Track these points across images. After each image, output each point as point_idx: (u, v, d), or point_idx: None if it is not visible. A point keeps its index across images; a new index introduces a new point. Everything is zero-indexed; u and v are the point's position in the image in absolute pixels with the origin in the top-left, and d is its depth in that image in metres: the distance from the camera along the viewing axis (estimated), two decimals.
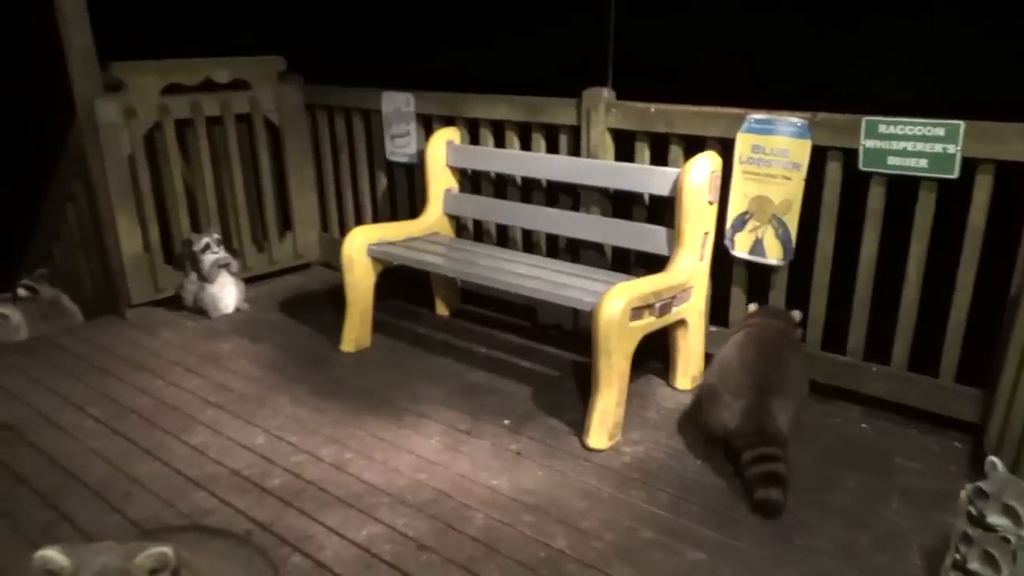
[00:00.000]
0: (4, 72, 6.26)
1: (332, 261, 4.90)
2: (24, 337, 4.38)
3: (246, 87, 4.53)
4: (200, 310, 4.27)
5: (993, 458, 2.01)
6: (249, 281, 4.59)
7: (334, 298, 4.37)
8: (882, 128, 2.85)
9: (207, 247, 4.20)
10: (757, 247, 3.23)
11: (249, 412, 3.24)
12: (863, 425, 3.08)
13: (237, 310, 4.34)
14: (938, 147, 2.76)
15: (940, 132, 2.74)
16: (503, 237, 4.15)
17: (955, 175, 2.75)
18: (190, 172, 4.51)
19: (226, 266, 4.26)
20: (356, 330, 3.79)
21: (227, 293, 4.28)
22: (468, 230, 4.23)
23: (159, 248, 4.29)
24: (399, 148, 4.38)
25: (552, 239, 3.95)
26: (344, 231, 4.54)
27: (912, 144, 2.80)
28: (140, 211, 4.16)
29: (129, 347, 3.92)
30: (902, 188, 2.90)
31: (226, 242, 4.42)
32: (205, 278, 4.22)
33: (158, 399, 3.37)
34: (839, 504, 2.57)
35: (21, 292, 4.38)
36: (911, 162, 2.82)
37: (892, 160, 2.86)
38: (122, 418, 3.21)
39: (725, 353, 2.92)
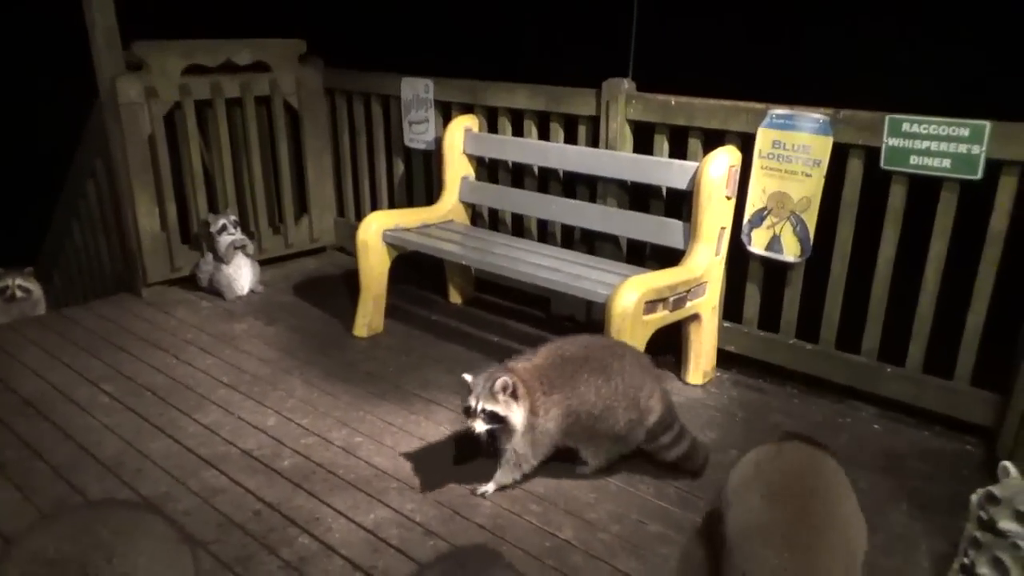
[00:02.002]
0: (29, 49, 6.32)
1: (347, 246, 4.91)
2: (43, 311, 4.43)
3: (266, 69, 4.53)
4: (215, 290, 4.30)
5: (1006, 463, 1.99)
6: (264, 263, 4.61)
7: (348, 283, 4.39)
8: (906, 127, 2.82)
9: (224, 228, 4.22)
10: (774, 243, 3.20)
11: (261, 393, 3.26)
12: (876, 426, 3.06)
13: (252, 292, 4.37)
14: (962, 147, 2.72)
15: (965, 132, 2.71)
16: (518, 226, 4.15)
17: (978, 176, 2.71)
18: (208, 153, 4.53)
19: (242, 248, 4.29)
20: (369, 315, 3.81)
21: (242, 274, 4.31)
22: (483, 218, 4.22)
23: (176, 228, 4.32)
24: (417, 134, 4.37)
25: (568, 230, 3.94)
26: (360, 216, 4.55)
27: (936, 144, 2.77)
28: (158, 190, 4.19)
29: (144, 325, 3.96)
30: (924, 188, 2.86)
31: (242, 224, 4.44)
32: (221, 259, 4.24)
33: (172, 377, 3.40)
34: None
35: (19, 294, 4.36)
36: (934, 162, 2.79)
37: (915, 159, 2.82)
38: (136, 395, 3.24)
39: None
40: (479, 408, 2.39)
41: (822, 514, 1.95)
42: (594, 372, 2.53)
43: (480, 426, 2.40)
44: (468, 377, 2.48)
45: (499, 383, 2.39)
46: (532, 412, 2.46)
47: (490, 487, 2.58)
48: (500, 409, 2.40)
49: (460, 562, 1.92)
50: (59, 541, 1.65)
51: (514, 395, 2.42)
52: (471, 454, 2.79)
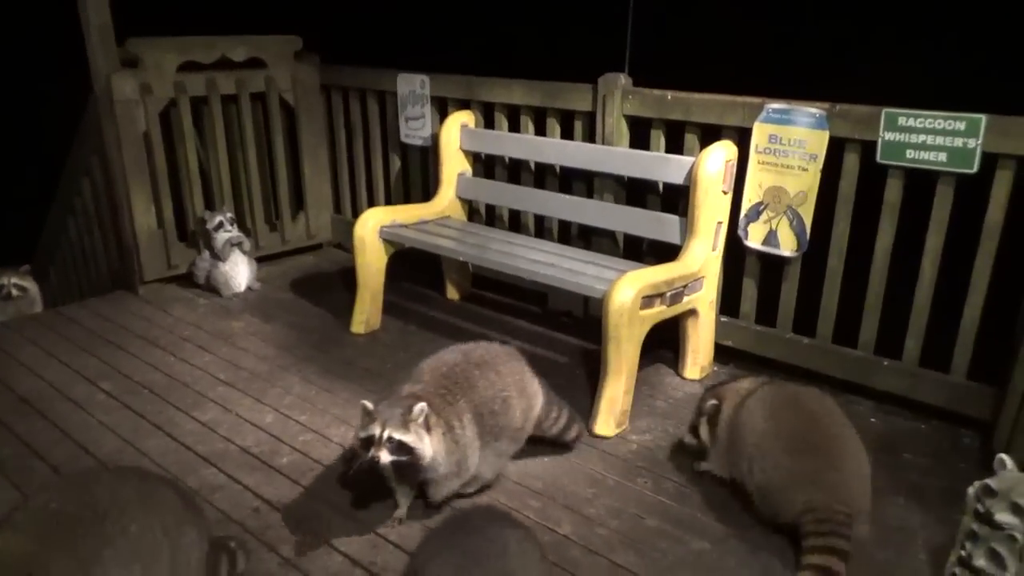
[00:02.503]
0: (24, 47, 6.29)
1: (344, 242, 4.91)
2: (40, 309, 4.42)
3: (262, 66, 4.52)
4: (212, 288, 4.29)
5: (1002, 455, 2.00)
6: (261, 261, 4.61)
7: (345, 279, 4.38)
8: (901, 120, 2.82)
9: (220, 225, 4.22)
10: (771, 238, 3.21)
11: (259, 390, 3.26)
12: (872, 420, 3.07)
13: (249, 289, 4.36)
14: (958, 141, 2.72)
15: (960, 126, 2.71)
16: (515, 222, 4.15)
17: (974, 170, 2.71)
18: (204, 150, 4.52)
19: (239, 245, 4.28)
20: (367, 312, 3.81)
21: (239, 272, 4.30)
22: (480, 214, 4.22)
23: (172, 225, 4.32)
24: (413, 130, 4.37)
25: (564, 225, 3.94)
26: (357, 212, 4.55)
27: (932, 137, 2.77)
28: (154, 188, 4.18)
29: (141, 323, 3.95)
30: (920, 182, 2.87)
31: (239, 221, 4.44)
32: (218, 256, 4.24)
33: (169, 375, 3.39)
34: None
35: (15, 292, 4.34)
36: (930, 156, 2.79)
37: (911, 153, 2.83)
38: (133, 393, 3.24)
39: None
40: (386, 437, 2.18)
41: (841, 425, 2.37)
42: (483, 370, 2.48)
43: (386, 457, 2.18)
44: (368, 404, 2.25)
45: (416, 410, 2.21)
46: (448, 429, 2.32)
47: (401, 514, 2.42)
48: (411, 439, 2.20)
49: (464, 521, 1.97)
50: (63, 497, 1.79)
51: (427, 425, 2.25)
52: None
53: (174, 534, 1.85)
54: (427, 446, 2.24)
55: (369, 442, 2.20)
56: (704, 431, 2.59)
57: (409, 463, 2.24)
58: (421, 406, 2.22)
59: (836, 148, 3.00)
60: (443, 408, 2.35)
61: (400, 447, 2.19)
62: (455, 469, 2.37)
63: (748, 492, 2.42)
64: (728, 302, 3.45)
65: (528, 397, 2.58)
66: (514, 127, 3.98)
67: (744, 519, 2.45)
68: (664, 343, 3.40)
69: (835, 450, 2.29)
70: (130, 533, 1.75)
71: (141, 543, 1.76)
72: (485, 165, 4.16)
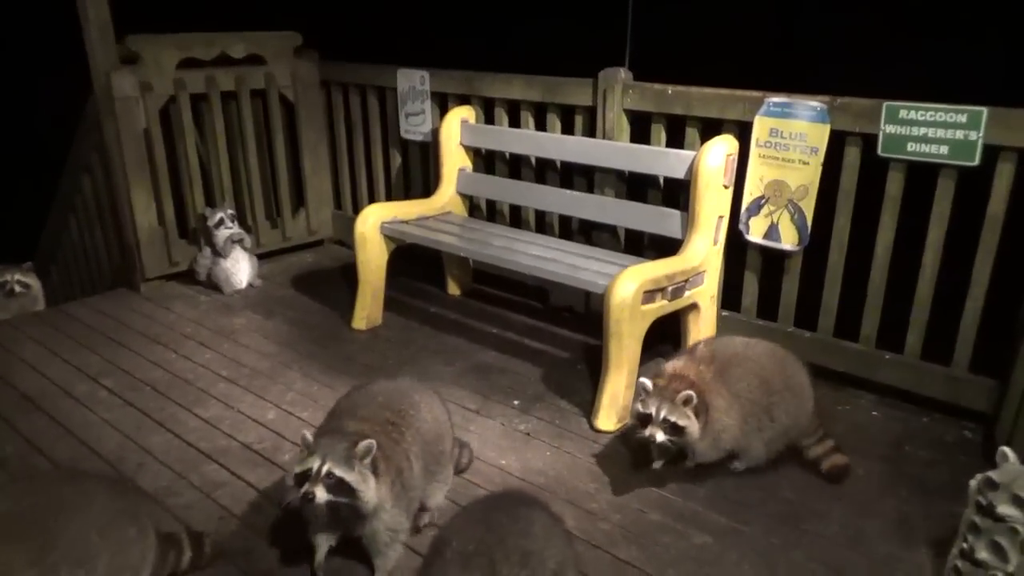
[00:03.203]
0: (24, 44, 6.28)
1: (345, 238, 4.91)
2: (42, 307, 4.43)
3: (262, 62, 4.52)
4: (213, 285, 4.29)
5: (1004, 448, 2.00)
6: (262, 257, 4.61)
7: (346, 275, 4.38)
8: (903, 113, 2.81)
9: (221, 222, 4.22)
10: (772, 232, 3.20)
11: (261, 387, 3.26)
12: (874, 413, 3.07)
13: (250, 285, 4.36)
14: (959, 134, 2.72)
15: (962, 118, 2.70)
16: (516, 218, 4.14)
17: (976, 163, 2.71)
18: (204, 147, 4.52)
19: (240, 241, 4.28)
20: (368, 308, 3.81)
21: (240, 268, 4.30)
22: (481, 210, 4.22)
23: (173, 222, 4.32)
24: (413, 126, 4.36)
25: (565, 220, 3.94)
26: (357, 209, 4.55)
27: (933, 130, 2.76)
28: (155, 185, 4.18)
29: (143, 320, 3.95)
30: (921, 175, 2.86)
31: (240, 218, 4.44)
32: (219, 253, 4.24)
33: (171, 372, 3.40)
34: (848, 491, 2.56)
35: (18, 289, 4.35)
36: (931, 149, 2.78)
37: (912, 146, 2.82)
38: (136, 390, 3.24)
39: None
40: (324, 472, 1.91)
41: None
42: (421, 404, 2.34)
43: (322, 495, 1.90)
44: (308, 436, 2.01)
45: (363, 446, 1.95)
46: (399, 472, 2.10)
47: None
48: (354, 480, 1.94)
49: (496, 500, 2.01)
50: (9, 500, 1.88)
51: (375, 468, 2.00)
52: (471, 445, 2.79)
53: (111, 534, 1.89)
54: (371, 490, 1.97)
55: (304, 477, 1.93)
56: (688, 420, 2.43)
57: (349, 507, 1.97)
58: (368, 444, 1.96)
59: (837, 141, 3.00)
60: (390, 446, 2.12)
61: (340, 487, 1.93)
62: (401, 520, 2.12)
63: (743, 449, 2.58)
64: (729, 296, 3.44)
65: (450, 427, 2.48)
66: (514, 122, 3.98)
67: (747, 514, 2.46)
68: (665, 338, 3.40)
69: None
70: (69, 537, 1.79)
71: (78, 547, 1.80)
72: (486, 161, 4.15)
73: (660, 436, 2.39)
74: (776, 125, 3.09)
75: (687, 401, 2.39)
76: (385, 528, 2.09)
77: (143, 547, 1.97)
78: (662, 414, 2.38)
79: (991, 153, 2.70)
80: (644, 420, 2.42)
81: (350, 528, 2.10)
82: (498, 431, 2.94)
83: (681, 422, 2.39)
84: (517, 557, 1.69)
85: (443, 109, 4.17)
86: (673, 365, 2.58)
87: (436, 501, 2.40)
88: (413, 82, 4.27)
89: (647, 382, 2.45)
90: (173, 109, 4.24)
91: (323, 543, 2.16)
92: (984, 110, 2.66)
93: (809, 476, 2.62)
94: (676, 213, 3.29)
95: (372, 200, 4.74)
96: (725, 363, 2.58)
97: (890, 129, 2.85)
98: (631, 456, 2.76)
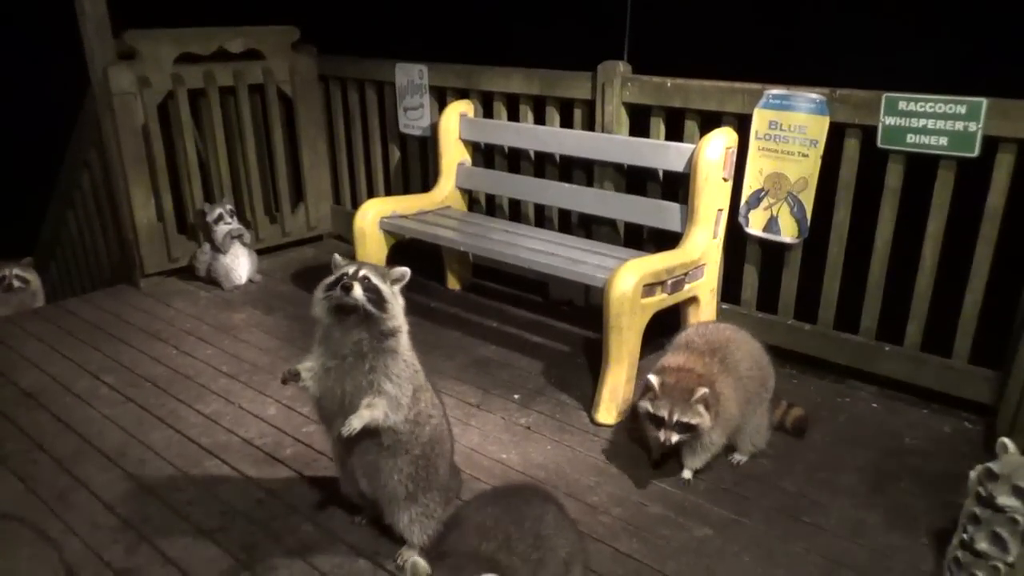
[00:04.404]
0: (21, 40, 6.26)
1: (344, 234, 4.90)
2: (42, 302, 4.43)
3: (260, 57, 4.50)
4: (213, 280, 4.29)
5: (1004, 439, 2.01)
6: (262, 253, 4.60)
7: None
8: (902, 105, 2.81)
9: (220, 217, 4.21)
10: (772, 225, 3.20)
11: (261, 383, 3.26)
12: (875, 405, 3.07)
13: (250, 281, 4.36)
14: (959, 125, 2.71)
15: (961, 110, 2.70)
16: (515, 212, 4.14)
17: (975, 154, 2.71)
18: (203, 142, 4.51)
19: (239, 237, 4.28)
20: None
21: (240, 264, 4.30)
22: (480, 204, 4.21)
23: (172, 218, 4.31)
24: (412, 120, 4.35)
25: (565, 214, 3.93)
26: (356, 204, 4.54)
27: (932, 122, 2.76)
28: (153, 180, 4.17)
29: (143, 316, 3.95)
30: (921, 167, 2.86)
31: (239, 213, 4.43)
32: (219, 248, 4.23)
33: (172, 368, 3.40)
34: (849, 483, 2.57)
35: (17, 284, 4.34)
36: (931, 140, 2.78)
37: (911, 138, 2.82)
38: (136, 386, 3.25)
39: None
40: (362, 275, 2.08)
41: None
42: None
43: (359, 293, 2.04)
44: (339, 257, 2.24)
45: (397, 271, 2.16)
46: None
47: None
48: (386, 292, 2.10)
49: (515, 489, 2.08)
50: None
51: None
52: (471, 439, 2.79)
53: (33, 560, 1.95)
54: (398, 307, 2.14)
55: (337, 282, 2.09)
56: (700, 418, 2.43)
57: (376, 319, 2.10)
58: (403, 270, 2.16)
59: (836, 133, 3.00)
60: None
61: (374, 291, 2.08)
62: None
63: (745, 430, 2.63)
64: (729, 289, 3.44)
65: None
66: (513, 116, 3.97)
67: (748, 506, 2.46)
68: (665, 331, 3.39)
69: None
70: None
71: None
72: (484, 155, 4.15)
73: (675, 438, 2.39)
74: (775, 117, 3.09)
75: (702, 399, 2.38)
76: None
77: None
78: (675, 417, 2.37)
79: (991, 144, 2.69)
80: (656, 422, 2.42)
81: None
82: (499, 425, 2.94)
83: (694, 421, 2.39)
84: (531, 539, 1.75)
85: (442, 103, 4.16)
86: (674, 360, 2.57)
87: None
88: (412, 76, 4.26)
89: (654, 380, 2.44)
90: (171, 104, 4.23)
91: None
92: (983, 101, 2.65)
93: (809, 469, 2.63)
94: (675, 206, 3.28)
95: (371, 195, 4.73)
96: (724, 350, 2.58)
97: (889, 121, 2.85)
98: (631, 449, 2.77)
